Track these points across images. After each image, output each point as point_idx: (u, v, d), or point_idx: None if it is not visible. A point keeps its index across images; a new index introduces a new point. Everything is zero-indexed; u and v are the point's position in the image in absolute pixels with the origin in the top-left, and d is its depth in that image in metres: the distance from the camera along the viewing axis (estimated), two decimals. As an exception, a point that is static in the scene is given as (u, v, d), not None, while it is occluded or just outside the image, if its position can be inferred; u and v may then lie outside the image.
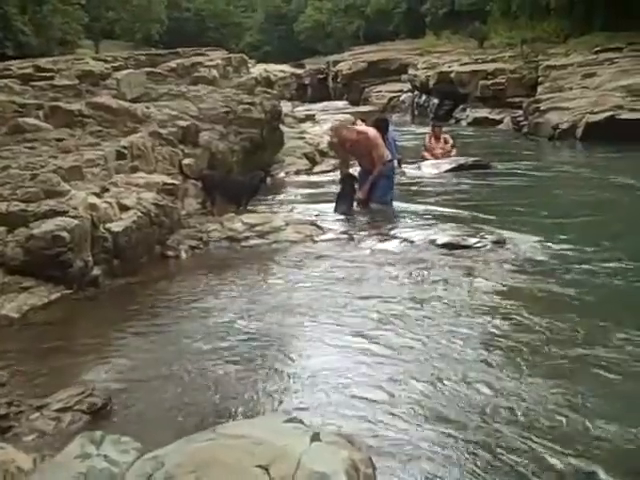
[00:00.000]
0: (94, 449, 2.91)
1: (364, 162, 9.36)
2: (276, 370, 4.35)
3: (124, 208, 6.88)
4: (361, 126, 9.89)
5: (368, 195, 9.17)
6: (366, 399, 3.93)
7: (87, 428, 3.57)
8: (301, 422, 3.10)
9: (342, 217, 8.77)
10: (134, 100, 10.57)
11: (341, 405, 3.89)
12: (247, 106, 11.59)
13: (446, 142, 14.17)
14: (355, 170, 9.63)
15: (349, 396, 3.98)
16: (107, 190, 7.17)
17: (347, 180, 9.37)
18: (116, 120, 9.30)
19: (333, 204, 9.21)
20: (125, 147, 8.39)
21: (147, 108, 10.09)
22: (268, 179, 11.19)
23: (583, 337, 4.64)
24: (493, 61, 25.17)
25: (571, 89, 18.81)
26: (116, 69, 12.39)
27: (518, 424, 3.61)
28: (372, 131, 9.50)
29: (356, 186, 9.25)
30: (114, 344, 4.97)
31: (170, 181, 8.19)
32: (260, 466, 2.55)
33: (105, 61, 13.42)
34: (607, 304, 5.27)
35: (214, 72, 13.15)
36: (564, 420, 3.63)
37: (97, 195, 6.87)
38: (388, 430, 3.62)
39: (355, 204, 9.16)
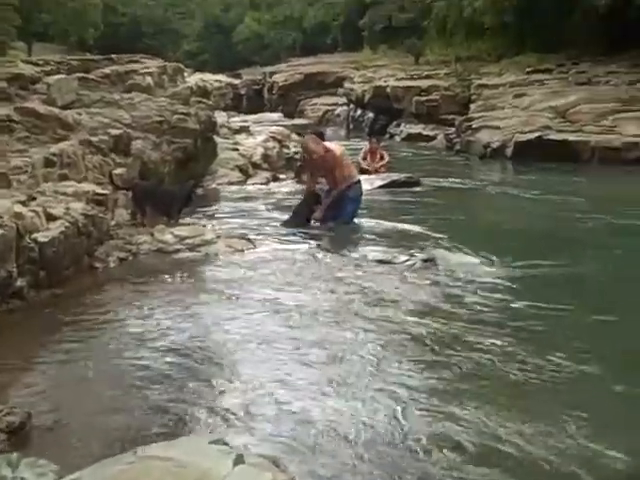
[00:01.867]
0: (10, 472, 2.84)
1: (328, 180, 9.33)
2: (203, 388, 4.29)
3: (51, 218, 6.73)
4: (330, 143, 9.83)
5: (328, 215, 9.10)
6: (293, 418, 3.91)
7: (4, 448, 3.47)
8: (226, 444, 3.08)
9: (282, 232, 8.74)
10: (65, 106, 10.38)
11: (268, 425, 3.86)
12: (181, 116, 11.49)
13: (382, 157, 14.34)
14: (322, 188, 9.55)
15: (275, 415, 3.96)
16: (34, 199, 7.01)
17: (309, 198, 9.36)
18: (45, 126, 9.11)
19: (280, 218, 9.29)
20: (54, 154, 8.24)
21: (79, 115, 9.92)
22: (199, 190, 11.14)
23: (491, 357, 4.69)
24: (428, 77, 25.54)
25: (503, 108, 19.20)
26: (47, 73, 12.16)
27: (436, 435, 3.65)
28: (340, 150, 9.47)
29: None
30: (37, 359, 4.85)
31: (100, 191, 8.06)
32: (180, 490, 2.52)
33: (36, 64, 13.17)
34: (525, 326, 5.33)
35: (149, 80, 13.01)
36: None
37: (23, 204, 6.70)
38: (315, 452, 3.60)
39: (312, 222, 9.11)
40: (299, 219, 9.09)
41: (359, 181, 9.56)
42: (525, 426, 3.78)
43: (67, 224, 6.74)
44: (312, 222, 9.10)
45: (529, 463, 3.49)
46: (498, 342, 4.94)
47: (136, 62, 14.43)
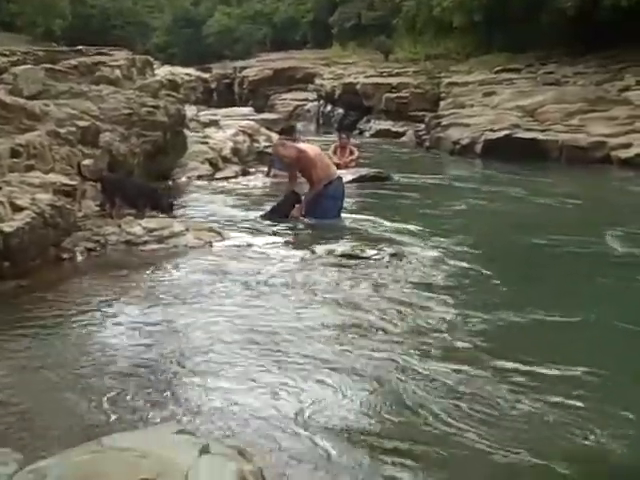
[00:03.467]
0: (-28, 461, 2.80)
1: (306, 178, 9.32)
2: (169, 380, 4.26)
3: (17, 208, 6.65)
4: (303, 143, 9.75)
5: (308, 212, 9.06)
6: (261, 412, 3.91)
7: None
8: (191, 434, 3.07)
9: (251, 224, 8.70)
10: (32, 97, 10.25)
11: (235, 417, 3.85)
12: (150, 109, 11.40)
13: (352, 153, 14.34)
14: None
15: (244, 408, 3.94)
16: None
17: (290, 196, 9.33)
18: (11, 117, 8.98)
19: (249, 210, 9.38)
20: (21, 145, 8.12)
21: (46, 106, 9.78)
22: (169, 182, 11.11)
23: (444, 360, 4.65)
24: (398, 75, 25.62)
25: (472, 106, 19.33)
26: (14, 64, 12.00)
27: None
28: (313, 150, 9.40)
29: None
30: (-2, 350, 4.79)
31: (67, 182, 7.98)
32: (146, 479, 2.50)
33: (3, 55, 12.99)
34: (489, 329, 5.27)
35: (117, 72, 12.89)
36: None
37: (-12, 194, 6.64)
38: (281, 442, 3.60)
39: (290, 218, 9.05)
40: (278, 215, 9.06)
41: (339, 178, 9.50)
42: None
43: (33, 215, 6.66)
44: (290, 218, 9.06)
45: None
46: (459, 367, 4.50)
47: (104, 54, 14.30)
